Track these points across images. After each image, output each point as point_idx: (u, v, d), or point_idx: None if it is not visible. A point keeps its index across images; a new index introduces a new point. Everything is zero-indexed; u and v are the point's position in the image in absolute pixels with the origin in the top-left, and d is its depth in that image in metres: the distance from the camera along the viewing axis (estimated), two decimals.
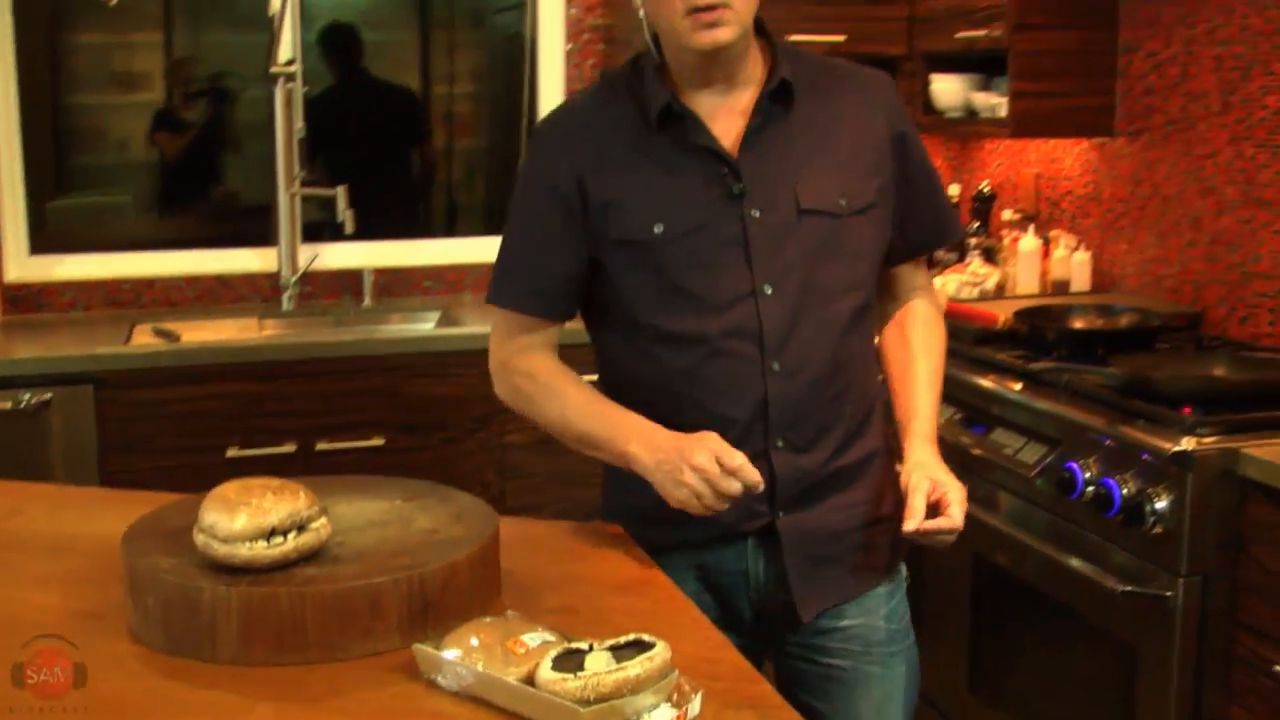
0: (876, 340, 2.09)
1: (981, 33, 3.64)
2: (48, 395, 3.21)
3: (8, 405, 3.18)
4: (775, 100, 1.91)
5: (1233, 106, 3.21)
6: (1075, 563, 2.59)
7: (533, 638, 1.45)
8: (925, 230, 2.06)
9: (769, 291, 1.87)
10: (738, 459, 1.75)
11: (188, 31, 4.28)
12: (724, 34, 1.81)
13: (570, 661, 1.38)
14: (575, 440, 1.94)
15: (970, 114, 3.87)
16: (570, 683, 1.34)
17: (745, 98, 1.91)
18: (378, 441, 3.43)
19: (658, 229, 1.87)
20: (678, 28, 1.83)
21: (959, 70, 3.90)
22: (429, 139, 4.52)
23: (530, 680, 1.38)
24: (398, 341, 3.57)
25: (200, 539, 1.55)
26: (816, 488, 1.93)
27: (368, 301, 3.99)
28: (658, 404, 1.89)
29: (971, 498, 2.86)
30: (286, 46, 3.89)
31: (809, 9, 3.94)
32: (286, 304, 3.91)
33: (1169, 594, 2.40)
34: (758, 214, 1.87)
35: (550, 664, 1.38)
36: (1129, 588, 2.46)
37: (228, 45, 4.32)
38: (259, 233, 4.10)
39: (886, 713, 1.99)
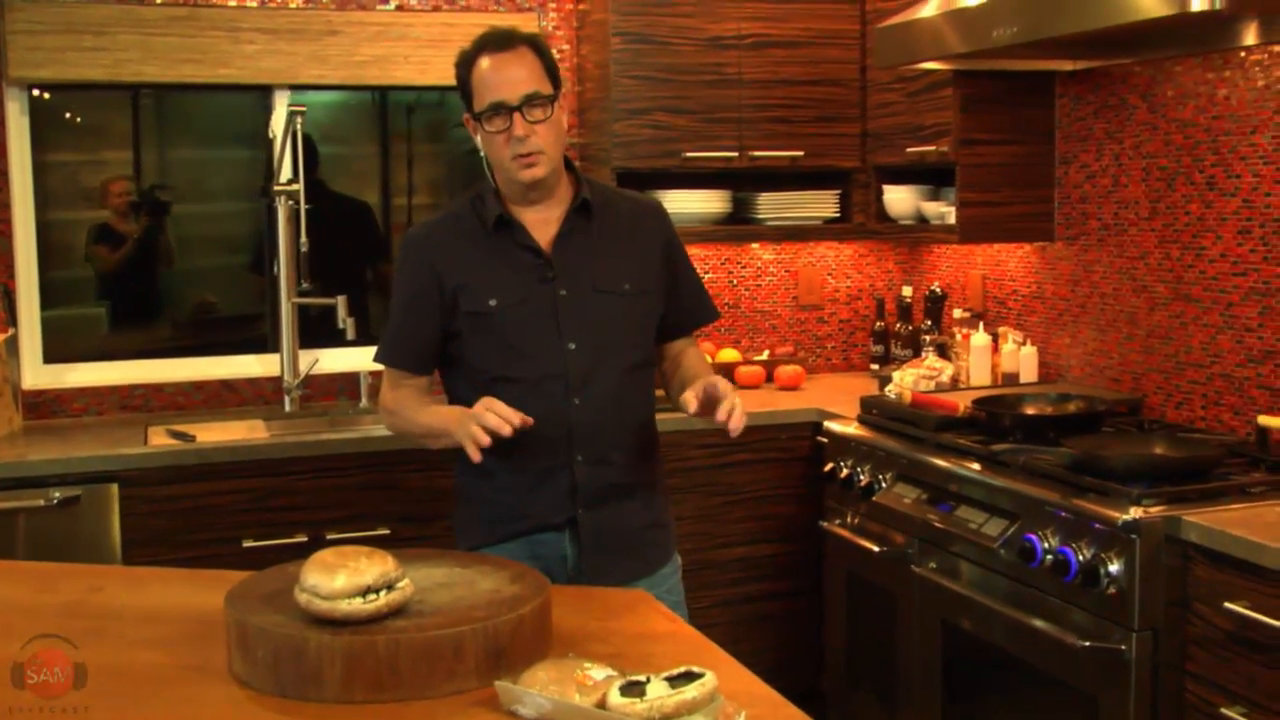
0: (660, 389, 2.75)
1: (930, 148, 3.99)
2: (76, 493, 3.42)
3: (39, 502, 3.40)
4: (579, 214, 2.62)
5: (1159, 213, 3.57)
6: (1038, 623, 2.86)
7: (597, 672, 1.70)
8: (689, 312, 2.80)
9: (573, 347, 2.56)
10: (516, 417, 2.37)
11: (155, 148, 4.50)
12: (539, 171, 2.55)
13: (634, 689, 1.63)
14: (421, 436, 2.61)
15: (921, 221, 4.21)
16: (638, 705, 1.59)
17: (558, 211, 2.62)
18: (384, 531, 3.65)
19: (493, 302, 2.56)
20: (507, 166, 2.55)
21: (909, 182, 4.24)
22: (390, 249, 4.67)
23: (601, 706, 1.62)
24: (397, 439, 3.77)
25: (303, 598, 1.79)
26: (609, 495, 2.60)
27: (364, 402, 4.22)
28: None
29: (939, 569, 3.15)
30: (287, 166, 4.15)
31: (769, 127, 4.29)
32: (289, 405, 4.14)
33: (1123, 647, 2.67)
34: (564, 292, 2.57)
35: (618, 691, 1.63)
36: (1088, 643, 2.73)
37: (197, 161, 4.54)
38: (247, 340, 4.37)
39: None
